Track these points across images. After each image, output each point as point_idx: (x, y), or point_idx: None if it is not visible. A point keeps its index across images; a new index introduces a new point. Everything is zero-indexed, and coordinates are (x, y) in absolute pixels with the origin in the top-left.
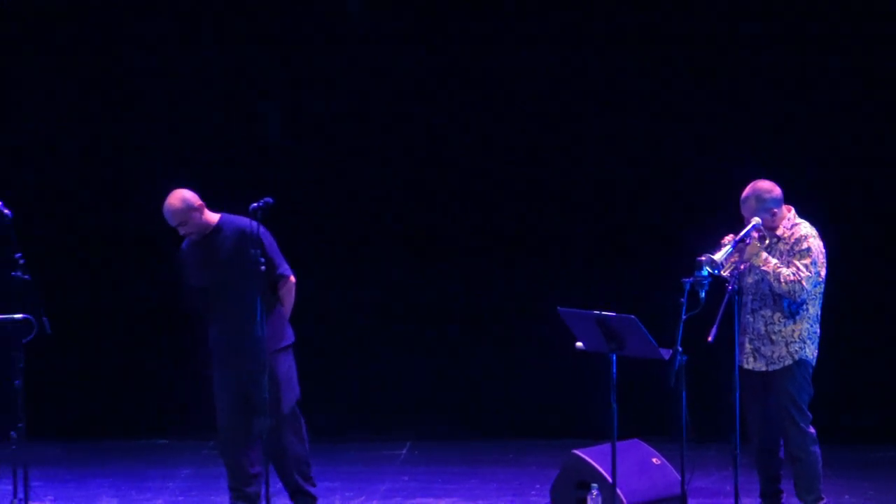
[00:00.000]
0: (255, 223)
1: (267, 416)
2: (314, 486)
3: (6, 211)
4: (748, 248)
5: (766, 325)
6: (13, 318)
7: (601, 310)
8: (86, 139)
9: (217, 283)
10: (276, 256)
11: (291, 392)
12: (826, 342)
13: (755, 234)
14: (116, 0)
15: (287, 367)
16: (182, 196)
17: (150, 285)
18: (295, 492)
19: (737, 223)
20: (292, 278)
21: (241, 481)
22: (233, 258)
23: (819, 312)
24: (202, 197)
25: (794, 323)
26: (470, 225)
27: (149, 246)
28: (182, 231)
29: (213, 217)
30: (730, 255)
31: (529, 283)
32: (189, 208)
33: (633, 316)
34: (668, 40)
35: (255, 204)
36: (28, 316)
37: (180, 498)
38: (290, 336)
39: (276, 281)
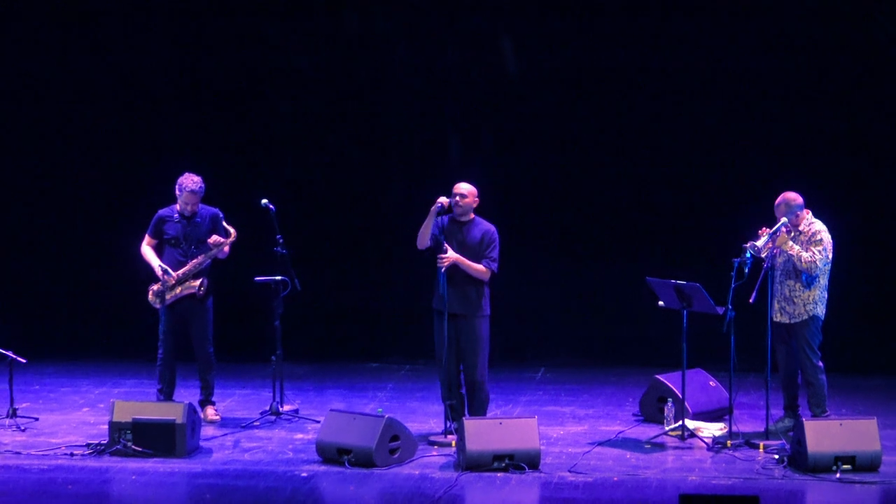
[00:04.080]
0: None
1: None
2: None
3: (271, 206)
4: (779, 239)
5: (789, 291)
6: (274, 279)
7: (676, 279)
8: (334, 146)
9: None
10: (496, 251)
11: (486, 355)
12: (833, 302)
13: (784, 229)
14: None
15: (487, 331)
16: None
17: (367, 258)
18: (471, 413)
19: (769, 219)
20: (490, 272)
21: (447, 394)
22: (475, 244)
23: (827, 283)
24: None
25: (810, 290)
26: (597, 221)
27: (372, 225)
28: (460, 215)
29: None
30: (766, 243)
31: (627, 262)
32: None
33: (698, 284)
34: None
35: (440, 205)
36: (285, 278)
37: (386, 403)
38: (489, 307)
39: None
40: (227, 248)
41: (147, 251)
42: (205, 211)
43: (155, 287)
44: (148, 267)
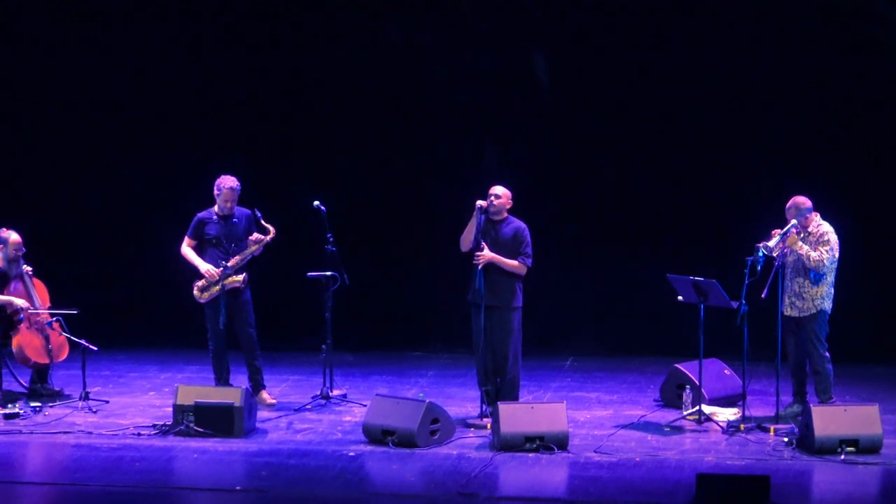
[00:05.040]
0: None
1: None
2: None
3: (322, 208)
4: (789, 239)
5: (799, 287)
6: (325, 275)
7: (694, 276)
8: (380, 152)
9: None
10: (529, 247)
11: (518, 345)
12: (839, 298)
13: (794, 231)
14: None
15: (518, 323)
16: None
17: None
18: (500, 398)
19: (780, 221)
20: (525, 267)
21: (483, 381)
22: (508, 241)
23: (834, 280)
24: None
25: (817, 286)
26: (621, 222)
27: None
28: (494, 214)
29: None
30: (778, 243)
31: (649, 260)
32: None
33: (714, 280)
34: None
35: (479, 206)
36: (334, 273)
37: (427, 388)
38: (522, 300)
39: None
40: (262, 246)
41: (188, 251)
42: (240, 212)
43: (200, 283)
44: (191, 266)
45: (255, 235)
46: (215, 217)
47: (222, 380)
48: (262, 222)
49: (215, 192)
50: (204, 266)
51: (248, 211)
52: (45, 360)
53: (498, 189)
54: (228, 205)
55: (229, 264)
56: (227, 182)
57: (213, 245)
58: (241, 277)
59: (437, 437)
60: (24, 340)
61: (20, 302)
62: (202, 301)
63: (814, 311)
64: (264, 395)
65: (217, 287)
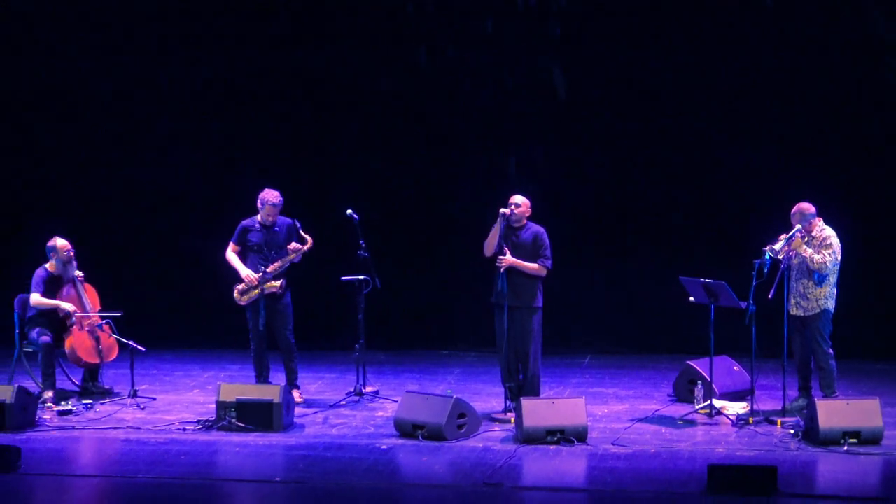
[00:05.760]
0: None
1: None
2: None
3: (355, 216)
4: (794, 243)
5: (804, 288)
6: (358, 279)
7: (705, 278)
8: (410, 162)
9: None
10: (548, 250)
11: (538, 344)
12: (841, 298)
13: (798, 235)
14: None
15: (538, 323)
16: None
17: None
18: (522, 394)
19: (786, 226)
20: (546, 269)
21: (506, 378)
22: (528, 245)
23: (836, 281)
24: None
25: (821, 287)
26: (636, 227)
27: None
28: (515, 221)
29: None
30: (783, 246)
31: (662, 262)
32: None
33: (724, 282)
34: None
35: (503, 212)
36: (367, 277)
37: (453, 385)
38: (542, 301)
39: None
40: (299, 255)
41: (232, 256)
42: (282, 221)
43: (239, 287)
44: (233, 270)
45: (294, 245)
46: (258, 225)
47: (262, 378)
48: (301, 232)
49: (258, 204)
50: (244, 271)
51: (289, 220)
52: (96, 360)
53: (518, 198)
54: (270, 218)
55: (268, 270)
56: (270, 199)
57: (254, 251)
58: (278, 283)
59: (463, 430)
60: (76, 342)
61: (67, 306)
62: (242, 303)
63: (818, 310)
64: (294, 393)
65: (256, 291)
